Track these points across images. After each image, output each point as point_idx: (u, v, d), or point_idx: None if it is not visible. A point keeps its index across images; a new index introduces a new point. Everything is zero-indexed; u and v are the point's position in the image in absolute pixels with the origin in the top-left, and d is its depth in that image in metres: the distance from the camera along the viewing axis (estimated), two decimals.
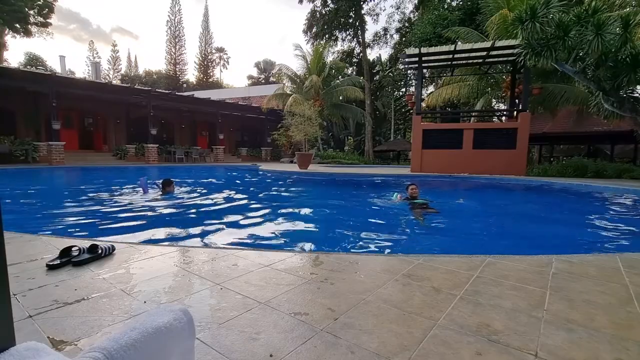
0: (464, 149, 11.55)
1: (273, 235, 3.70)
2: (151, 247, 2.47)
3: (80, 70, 66.20)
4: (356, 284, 1.79)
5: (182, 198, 5.99)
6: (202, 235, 3.59)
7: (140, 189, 6.06)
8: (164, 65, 48.78)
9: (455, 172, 11.17)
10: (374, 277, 1.91)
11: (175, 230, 3.76)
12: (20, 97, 15.51)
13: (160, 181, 6.07)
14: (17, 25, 23.41)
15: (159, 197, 5.80)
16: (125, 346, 0.53)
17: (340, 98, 22.01)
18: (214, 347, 1.20)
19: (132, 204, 5.31)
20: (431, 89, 23.18)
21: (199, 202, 5.82)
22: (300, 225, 4.34)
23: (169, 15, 45.40)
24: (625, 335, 1.33)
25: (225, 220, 4.40)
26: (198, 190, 7.12)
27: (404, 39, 26.13)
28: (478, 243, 3.73)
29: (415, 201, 5.05)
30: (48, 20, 25.92)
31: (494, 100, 17.62)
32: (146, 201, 5.48)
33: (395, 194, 5.83)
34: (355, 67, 29.76)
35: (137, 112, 19.75)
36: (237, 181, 10.31)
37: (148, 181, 6.01)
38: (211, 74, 49.11)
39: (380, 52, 72.40)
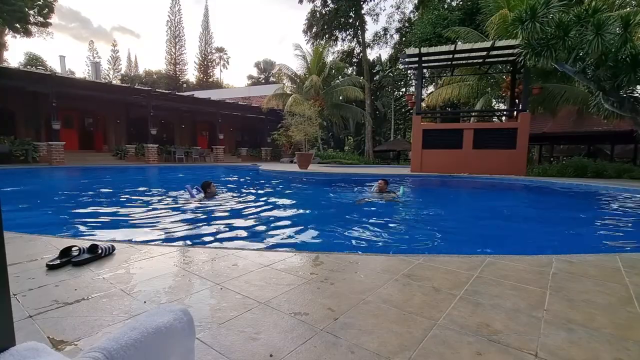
0: (464, 149, 11.54)
1: (273, 235, 3.70)
2: (151, 247, 2.47)
3: (80, 70, 66.25)
4: (356, 284, 1.79)
5: (222, 201, 5.71)
6: (203, 235, 3.59)
7: (186, 192, 5.86)
8: (164, 65, 48.80)
9: (455, 172, 11.17)
10: (374, 277, 1.91)
11: (177, 230, 3.76)
12: (20, 97, 15.51)
13: (196, 186, 5.91)
14: (17, 25, 23.43)
15: (203, 200, 5.55)
16: (125, 346, 0.53)
17: (340, 98, 22.01)
18: (214, 347, 1.20)
19: (169, 208, 5.16)
20: (431, 89, 23.19)
21: (216, 204, 5.60)
22: (300, 225, 4.34)
23: (169, 15, 45.44)
24: (625, 335, 1.33)
25: (224, 220, 4.40)
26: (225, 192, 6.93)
27: (404, 39, 26.14)
28: (478, 243, 3.73)
29: (383, 193, 6.34)
30: (48, 20, 25.95)
31: (494, 100, 17.63)
32: (182, 204, 5.33)
33: (375, 184, 6.75)
34: (355, 67, 29.76)
35: (137, 112, 19.76)
36: (237, 181, 10.31)
37: (191, 187, 5.88)
38: (211, 74, 49.11)
39: (380, 52, 72.46)
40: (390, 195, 6.28)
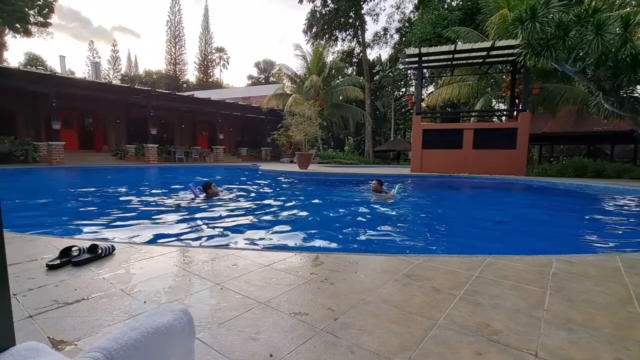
0: (464, 149, 11.55)
1: (273, 235, 3.70)
2: (151, 247, 2.47)
3: (80, 70, 66.28)
4: (356, 284, 1.79)
5: (222, 202, 5.66)
6: (203, 235, 3.59)
7: (190, 192, 5.86)
8: (164, 65, 48.82)
9: (455, 172, 11.17)
10: (374, 277, 1.91)
11: (177, 230, 3.76)
12: (20, 97, 15.51)
13: (198, 186, 5.92)
14: (17, 25, 23.44)
15: (202, 201, 5.54)
16: (125, 346, 0.53)
17: (340, 98, 22.01)
18: (214, 347, 1.20)
19: (168, 208, 5.16)
20: (431, 89, 23.18)
21: (216, 204, 5.56)
22: (300, 225, 4.33)
23: (169, 15, 45.43)
24: (625, 335, 1.33)
25: (224, 220, 4.40)
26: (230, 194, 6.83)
27: (404, 39, 26.13)
28: (478, 243, 3.73)
29: (378, 193, 6.45)
30: (48, 20, 25.96)
31: (494, 100, 17.63)
32: (182, 205, 5.31)
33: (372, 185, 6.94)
34: (355, 67, 29.76)
35: (137, 112, 19.75)
36: (237, 181, 10.31)
37: (194, 186, 5.89)
38: (211, 74, 49.11)
39: (380, 52, 72.41)
40: (385, 194, 6.32)
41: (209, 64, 48.61)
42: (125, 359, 0.52)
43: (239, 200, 6.01)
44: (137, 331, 0.57)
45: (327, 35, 26.22)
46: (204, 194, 5.77)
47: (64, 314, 1.42)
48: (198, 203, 5.41)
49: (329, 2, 25.26)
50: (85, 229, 3.81)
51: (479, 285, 1.79)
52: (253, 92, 30.52)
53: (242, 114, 23.64)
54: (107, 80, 32.99)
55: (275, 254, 2.34)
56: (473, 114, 18.26)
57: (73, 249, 2.10)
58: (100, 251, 2.14)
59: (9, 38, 26.15)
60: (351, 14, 25.40)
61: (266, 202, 6.22)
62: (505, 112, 15.24)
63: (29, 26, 24.64)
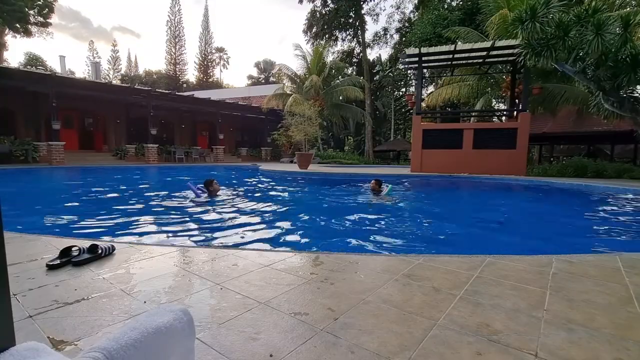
0: (464, 149, 11.54)
1: (273, 235, 3.70)
2: (151, 247, 2.47)
3: (80, 70, 66.29)
4: (356, 284, 1.79)
5: (222, 201, 5.61)
6: (203, 235, 3.59)
7: (190, 192, 5.81)
8: (164, 65, 48.83)
9: (455, 172, 11.17)
10: (374, 277, 1.91)
11: (177, 230, 3.76)
12: (20, 97, 15.51)
13: (198, 185, 5.87)
14: (17, 25, 23.44)
15: (204, 200, 5.50)
16: (125, 346, 0.53)
17: (340, 98, 22.01)
18: (214, 347, 1.20)
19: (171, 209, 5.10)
20: (431, 89, 23.18)
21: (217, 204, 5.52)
22: (300, 225, 4.34)
23: (169, 15, 45.45)
24: (625, 335, 1.33)
25: (224, 220, 4.40)
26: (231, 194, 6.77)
27: (404, 39, 26.11)
28: (478, 243, 3.73)
29: (375, 193, 6.47)
30: (48, 20, 25.96)
31: (494, 100, 17.62)
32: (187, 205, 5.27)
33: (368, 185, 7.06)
34: (355, 67, 29.76)
35: (137, 112, 19.75)
36: (237, 181, 10.31)
37: (193, 184, 5.84)
38: (211, 74, 49.10)
39: (380, 52, 72.40)
40: (382, 195, 6.33)
41: (209, 64, 48.61)
42: (125, 359, 0.52)
43: (238, 200, 6.01)
44: (137, 331, 0.57)
45: (327, 35, 26.22)
46: (206, 192, 5.76)
47: (64, 314, 1.42)
48: (198, 203, 5.41)
49: (329, 2, 25.26)
50: (86, 229, 3.81)
51: (479, 285, 1.79)
52: (253, 92, 30.52)
53: (242, 114, 23.64)
54: (107, 80, 33.00)
55: (275, 254, 2.34)
56: (473, 114, 18.26)
57: (73, 249, 2.10)
58: (100, 251, 2.14)
59: (9, 38, 26.18)
60: (351, 14, 25.39)
61: (266, 202, 6.22)
62: (505, 112, 15.24)
63: (29, 26, 24.64)
